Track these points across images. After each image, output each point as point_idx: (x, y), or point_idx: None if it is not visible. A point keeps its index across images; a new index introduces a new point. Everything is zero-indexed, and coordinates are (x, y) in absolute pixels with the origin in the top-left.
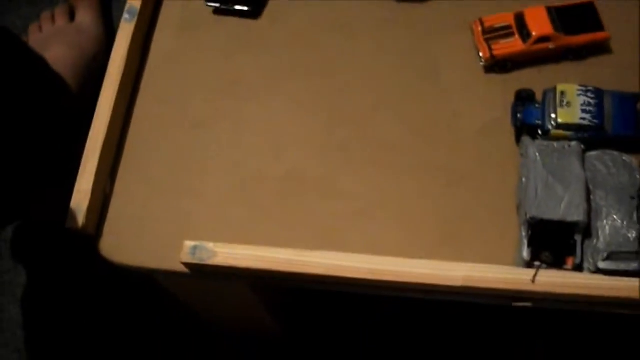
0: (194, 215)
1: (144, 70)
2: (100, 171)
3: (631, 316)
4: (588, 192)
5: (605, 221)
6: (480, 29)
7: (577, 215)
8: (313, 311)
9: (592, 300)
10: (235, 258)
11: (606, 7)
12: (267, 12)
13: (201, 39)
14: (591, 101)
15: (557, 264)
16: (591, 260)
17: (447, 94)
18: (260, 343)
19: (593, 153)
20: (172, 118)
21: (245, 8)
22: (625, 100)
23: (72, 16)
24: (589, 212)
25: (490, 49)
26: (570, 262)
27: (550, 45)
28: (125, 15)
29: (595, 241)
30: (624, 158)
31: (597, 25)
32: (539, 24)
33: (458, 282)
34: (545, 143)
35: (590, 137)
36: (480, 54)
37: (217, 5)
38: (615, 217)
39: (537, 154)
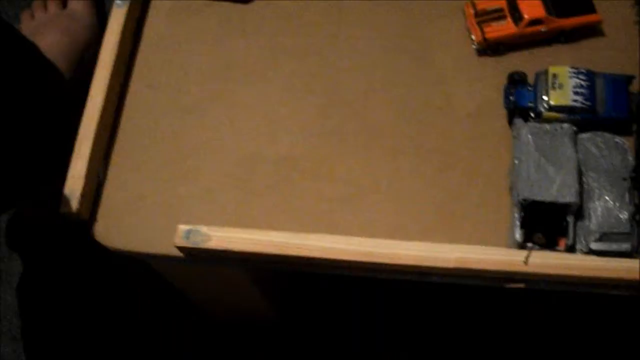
0: (188, 200)
1: (136, 55)
2: (94, 156)
3: (623, 296)
4: (580, 174)
5: (597, 202)
6: (472, 11)
7: (569, 196)
8: (308, 295)
9: (585, 281)
10: (229, 241)
11: None
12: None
13: (193, 23)
14: (583, 83)
15: (549, 245)
16: (583, 242)
17: (440, 77)
18: (255, 328)
19: (585, 135)
20: (165, 103)
21: None
22: (617, 83)
23: (64, 3)
24: (581, 193)
25: (482, 31)
26: (562, 243)
27: (543, 28)
28: (117, 1)
29: (587, 222)
30: (616, 140)
31: (588, 7)
32: (531, 6)
33: (451, 264)
34: (538, 125)
35: (582, 119)
36: (473, 37)
37: None
38: (607, 198)
39: (530, 136)
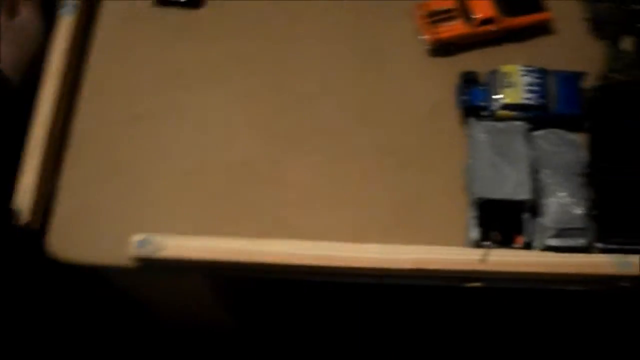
0: (142, 208)
1: (85, 63)
2: (44, 166)
3: (582, 291)
4: (534, 171)
5: (552, 199)
6: (422, 12)
7: (523, 193)
8: (267, 302)
9: (542, 278)
10: (185, 249)
11: None
12: (209, 1)
13: (143, 30)
14: (535, 81)
15: (506, 243)
16: (540, 238)
17: (393, 78)
18: (213, 336)
19: (538, 132)
20: (116, 111)
21: None
22: (569, 80)
23: (12, 13)
24: (535, 190)
25: (434, 32)
26: (519, 240)
27: (493, 27)
28: (64, 9)
29: (543, 219)
30: (569, 136)
31: (538, 6)
32: (482, 6)
33: (408, 265)
34: (491, 124)
35: (535, 116)
36: (424, 38)
37: None
38: (562, 194)
39: (483, 135)
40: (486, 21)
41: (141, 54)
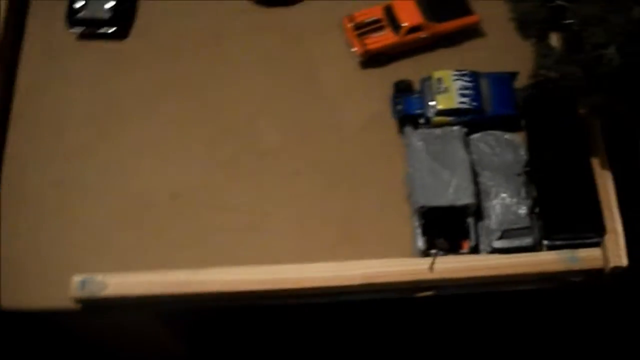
0: (82, 247)
1: (11, 103)
2: None
3: (539, 291)
4: (475, 175)
5: (495, 201)
6: (351, 25)
7: (465, 198)
8: (219, 329)
9: (493, 280)
10: (127, 287)
11: None
12: (133, 31)
13: (69, 65)
14: (468, 85)
15: (453, 249)
16: (486, 241)
17: (326, 93)
18: None
19: (476, 135)
20: (49, 149)
21: (110, 29)
22: (502, 81)
23: None
24: (477, 194)
25: (363, 44)
26: (466, 245)
27: (423, 34)
28: None
29: (487, 222)
30: (506, 137)
31: (466, 9)
32: (409, 14)
33: (357, 281)
34: (428, 131)
35: (471, 119)
36: (354, 50)
37: (81, 29)
38: (504, 195)
39: (421, 143)
40: (414, 29)
41: (69, 89)
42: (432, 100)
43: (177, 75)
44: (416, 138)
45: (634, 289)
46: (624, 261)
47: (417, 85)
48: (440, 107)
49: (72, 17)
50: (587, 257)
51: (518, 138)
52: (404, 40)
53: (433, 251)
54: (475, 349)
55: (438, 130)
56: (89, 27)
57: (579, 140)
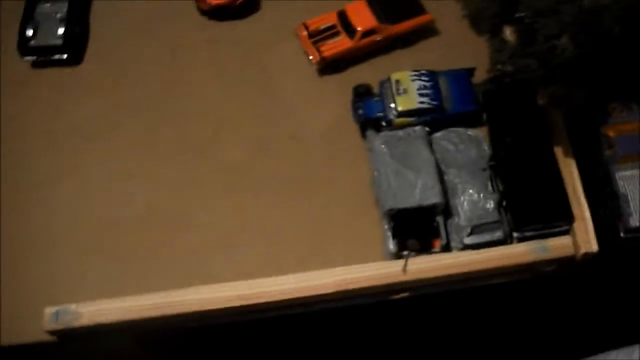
0: (53, 278)
1: None
2: None
3: (507, 285)
4: (440, 173)
5: (462, 197)
6: (305, 33)
7: (433, 197)
8: (198, 348)
9: (466, 277)
10: (102, 314)
11: None
12: (88, 55)
13: (25, 95)
14: (426, 84)
15: (425, 249)
16: (457, 238)
17: (286, 103)
18: None
19: (438, 134)
20: (11, 182)
21: (64, 56)
22: (460, 77)
23: None
24: (444, 192)
25: (319, 51)
26: (437, 244)
27: (378, 37)
28: None
29: (457, 219)
30: (469, 133)
31: (418, 9)
32: (363, 18)
33: (330, 289)
34: (390, 133)
35: (432, 119)
36: (311, 58)
37: (34, 57)
38: (471, 191)
39: (384, 146)
40: (369, 32)
41: (27, 119)
42: (392, 103)
43: (136, 96)
44: (379, 141)
45: (605, 275)
46: (594, 247)
47: (376, 89)
48: (400, 108)
49: (24, 45)
50: (557, 246)
51: (481, 133)
52: (360, 45)
53: (405, 253)
54: (457, 346)
55: (400, 132)
56: (42, 55)
57: (541, 130)
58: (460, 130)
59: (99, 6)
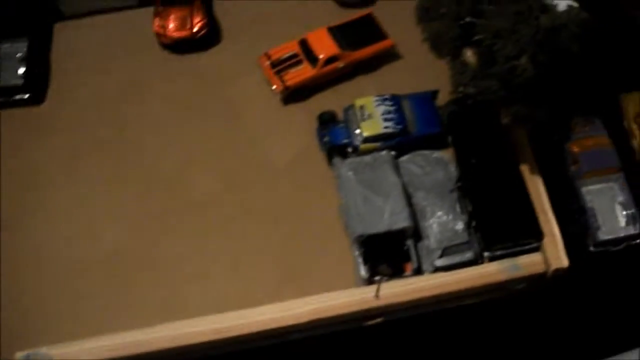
0: (23, 322)
1: None
2: None
3: (480, 304)
4: (408, 197)
5: (431, 220)
6: (268, 63)
7: (401, 222)
8: None
9: (439, 299)
10: (73, 356)
11: (383, 14)
12: (50, 94)
13: None
14: (390, 108)
15: (397, 273)
16: (428, 261)
17: (252, 134)
18: None
19: (405, 157)
20: None
21: (26, 95)
22: (423, 100)
23: None
24: (413, 215)
25: (282, 80)
26: (408, 268)
27: (340, 64)
28: None
29: (427, 241)
30: (435, 155)
31: (379, 35)
32: (324, 45)
33: (304, 318)
34: (357, 159)
35: (398, 143)
36: (274, 87)
37: None
38: (440, 213)
39: (351, 173)
40: (331, 59)
41: None
42: (357, 129)
43: (99, 134)
44: (346, 168)
45: (576, 289)
46: (564, 262)
47: (341, 115)
48: (366, 134)
49: None
50: (528, 263)
51: (447, 155)
52: (323, 72)
53: (377, 278)
54: None
55: (367, 158)
56: (4, 96)
57: (506, 149)
58: (427, 152)
59: (60, 44)
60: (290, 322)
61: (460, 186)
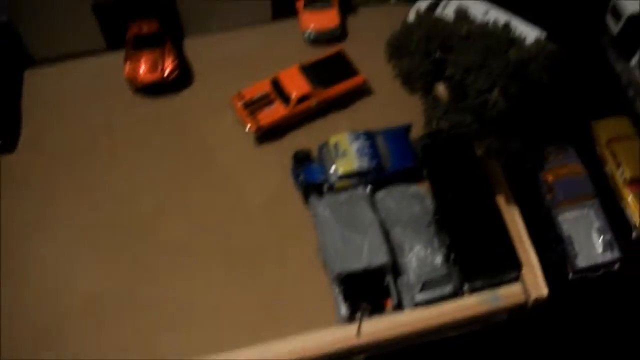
0: None
1: None
2: None
3: (462, 337)
4: (386, 233)
5: (410, 255)
6: (240, 103)
7: (380, 258)
8: None
9: (421, 333)
10: None
11: (354, 51)
12: (22, 142)
13: None
14: (365, 145)
15: (377, 309)
16: (408, 296)
17: (227, 175)
18: None
19: (381, 193)
20: None
21: None
22: (397, 135)
23: None
24: (391, 251)
25: (255, 120)
26: (389, 304)
27: (313, 102)
28: None
29: (406, 277)
30: (410, 190)
31: (351, 71)
32: (296, 84)
33: (285, 358)
34: (333, 197)
35: (373, 179)
36: (248, 127)
37: None
38: (418, 248)
39: (327, 211)
40: (303, 98)
41: None
42: (332, 166)
43: (73, 180)
44: (322, 207)
45: (556, 317)
46: (544, 291)
47: (315, 153)
48: (341, 171)
49: None
50: (508, 294)
51: (423, 189)
52: (296, 111)
53: (358, 315)
54: None
55: (343, 195)
56: None
57: (482, 181)
58: (402, 187)
59: (30, 92)
60: None
61: (437, 219)
